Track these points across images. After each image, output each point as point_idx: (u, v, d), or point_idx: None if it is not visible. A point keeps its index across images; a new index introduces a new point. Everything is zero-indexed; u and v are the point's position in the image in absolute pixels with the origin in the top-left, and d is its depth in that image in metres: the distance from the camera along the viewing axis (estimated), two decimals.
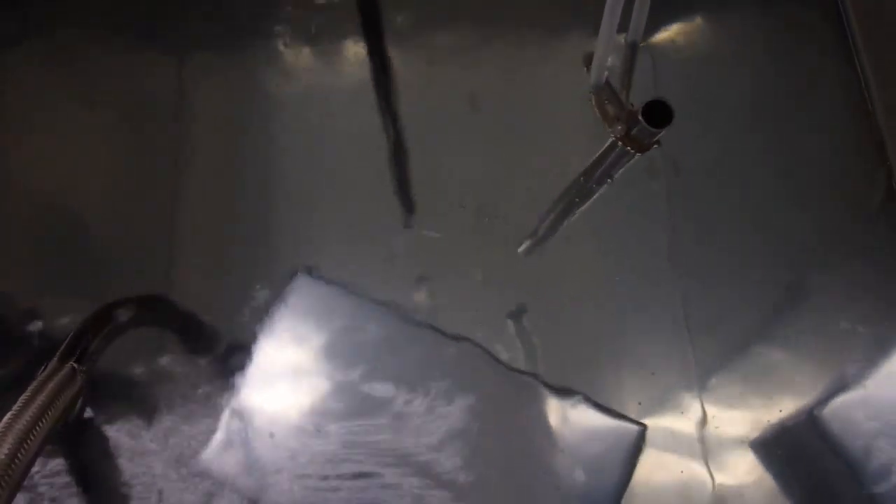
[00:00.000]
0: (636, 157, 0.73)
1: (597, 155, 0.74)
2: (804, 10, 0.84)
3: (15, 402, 0.69)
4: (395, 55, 0.85)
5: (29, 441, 0.63)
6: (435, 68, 0.84)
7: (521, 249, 0.74)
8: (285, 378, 0.71)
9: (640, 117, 0.63)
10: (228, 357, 0.73)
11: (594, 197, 0.76)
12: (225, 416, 0.70)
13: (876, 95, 0.78)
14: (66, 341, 0.72)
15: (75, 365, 0.71)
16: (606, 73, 0.69)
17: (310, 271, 0.75)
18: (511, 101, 0.81)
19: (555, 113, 0.81)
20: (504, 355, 0.71)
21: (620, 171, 0.74)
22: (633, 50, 0.70)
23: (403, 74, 0.84)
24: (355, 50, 0.86)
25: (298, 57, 0.86)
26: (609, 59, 0.67)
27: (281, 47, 0.86)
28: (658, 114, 0.63)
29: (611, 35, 0.63)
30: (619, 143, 0.70)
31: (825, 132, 0.79)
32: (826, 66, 0.82)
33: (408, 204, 0.78)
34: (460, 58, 0.84)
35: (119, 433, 0.71)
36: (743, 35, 0.84)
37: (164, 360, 0.73)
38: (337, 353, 0.72)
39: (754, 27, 0.84)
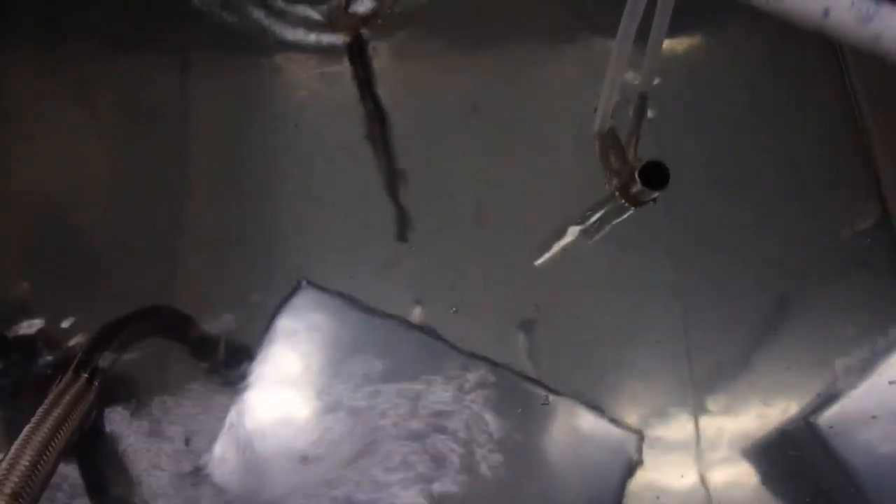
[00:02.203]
0: (631, 211, 0.75)
1: (597, 204, 0.77)
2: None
3: (20, 407, 0.74)
4: (396, 64, 0.86)
5: (48, 453, 0.65)
6: (435, 75, 0.86)
7: (538, 262, 0.76)
8: (288, 386, 0.74)
9: (636, 177, 0.66)
10: (231, 365, 0.76)
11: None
12: (228, 422, 0.73)
13: (865, 109, 0.80)
14: (80, 354, 0.74)
15: (88, 377, 0.73)
16: (612, 121, 0.71)
17: (312, 280, 0.77)
18: (512, 108, 0.83)
19: (556, 119, 0.83)
20: (505, 363, 0.74)
21: (617, 221, 0.77)
22: (643, 100, 0.72)
23: (404, 81, 0.85)
24: (359, 62, 0.87)
25: (300, 65, 0.86)
26: (615, 103, 0.69)
27: (283, 55, 0.87)
28: (655, 174, 0.66)
29: (615, 86, 0.64)
30: (617, 194, 0.72)
31: (819, 144, 0.81)
32: (818, 81, 0.84)
33: (409, 211, 0.80)
34: (461, 65, 0.86)
35: (126, 440, 0.73)
36: (738, 49, 0.85)
37: (169, 369, 0.76)
38: (339, 361, 0.74)
39: (749, 42, 0.85)
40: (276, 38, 0.88)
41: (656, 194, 0.69)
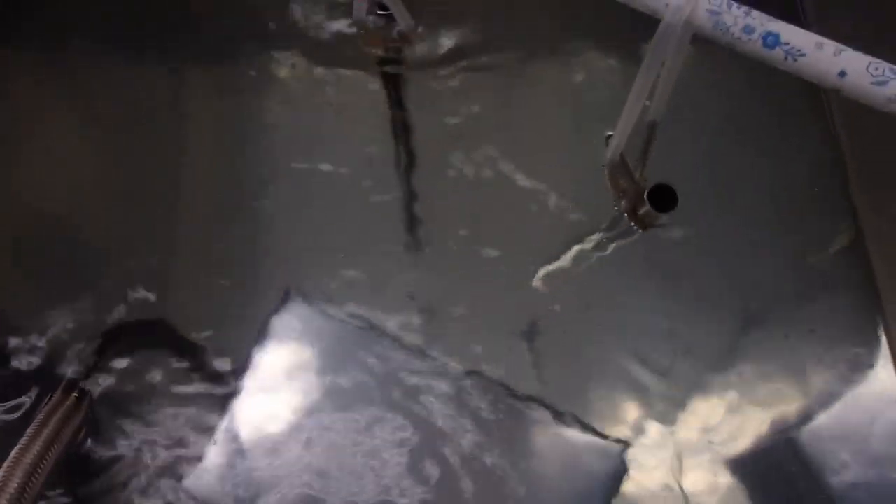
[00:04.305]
0: (638, 233, 0.76)
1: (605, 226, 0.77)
2: None
3: (7, 421, 0.72)
4: (400, 81, 0.84)
5: (37, 474, 0.65)
6: (434, 91, 0.83)
7: (536, 280, 0.75)
8: (277, 396, 0.73)
9: (645, 198, 0.66)
10: (220, 376, 0.74)
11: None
12: (218, 435, 0.72)
13: (843, 135, 0.79)
14: (69, 373, 0.73)
15: (78, 396, 0.72)
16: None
17: (302, 289, 0.76)
18: (513, 124, 0.82)
19: (559, 136, 0.81)
20: (494, 377, 0.73)
21: (623, 242, 0.77)
22: (652, 129, 0.72)
23: (404, 96, 0.84)
24: (351, 71, 0.84)
25: (294, 75, 0.84)
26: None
27: (277, 65, 0.84)
28: (663, 197, 0.66)
29: (632, 119, 0.64)
30: (626, 216, 0.72)
31: (798, 167, 0.80)
32: (800, 105, 0.82)
33: (405, 223, 0.78)
34: (460, 80, 0.83)
35: (115, 456, 0.72)
36: (724, 72, 0.82)
37: (158, 381, 0.74)
38: (327, 371, 0.73)
39: (734, 65, 0.83)
40: (271, 48, 0.85)
41: (665, 217, 0.69)
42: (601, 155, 0.77)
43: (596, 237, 0.75)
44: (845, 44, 0.48)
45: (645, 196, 0.66)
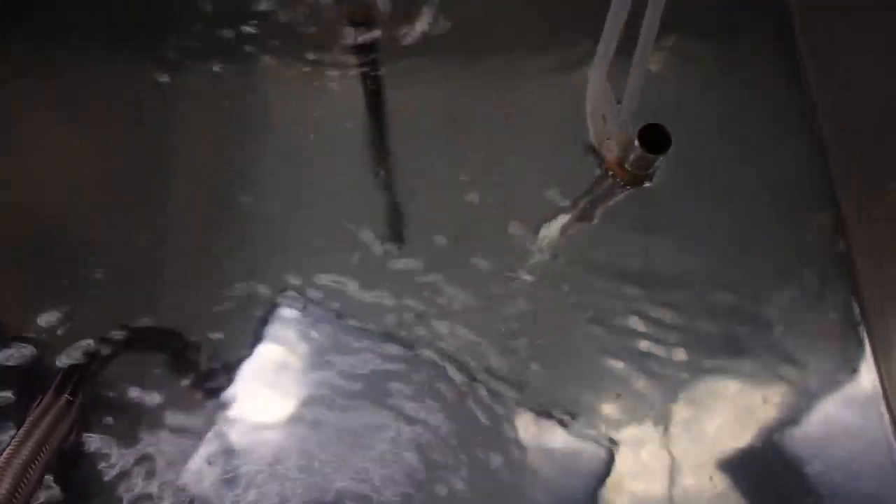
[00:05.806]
0: (626, 191, 0.74)
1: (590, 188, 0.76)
2: (760, 49, 0.87)
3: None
4: (384, 77, 0.86)
5: (27, 477, 0.63)
6: (416, 86, 0.85)
7: (529, 264, 0.75)
8: (270, 398, 0.73)
9: (635, 142, 0.63)
10: (213, 378, 0.73)
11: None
12: (209, 437, 0.71)
13: (828, 135, 0.82)
14: (60, 375, 0.72)
15: (69, 397, 0.70)
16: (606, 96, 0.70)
17: (295, 290, 0.76)
18: (496, 126, 0.83)
19: (542, 137, 0.82)
20: (485, 374, 0.73)
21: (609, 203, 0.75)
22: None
23: (391, 96, 0.85)
24: (344, 71, 0.86)
25: (286, 76, 0.86)
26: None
27: (269, 66, 0.87)
28: (655, 139, 0.64)
29: (613, 41, 0.62)
30: (609, 172, 0.70)
31: (780, 159, 0.82)
32: (784, 99, 0.85)
33: (396, 220, 0.79)
34: (447, 80, 0.86)
35: (105, 460, 0.71)
36: (707, 66, 0.86)
37: (149, 384, 0.73)
38: (321, 372, 0.73)
39: (720, 60, 0.87)
40: (263, 49, 0.88)
41: (653, 168, 0.67)
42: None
43: (581, 211, 0.76)
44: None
45: (635, 141, 0.64)
